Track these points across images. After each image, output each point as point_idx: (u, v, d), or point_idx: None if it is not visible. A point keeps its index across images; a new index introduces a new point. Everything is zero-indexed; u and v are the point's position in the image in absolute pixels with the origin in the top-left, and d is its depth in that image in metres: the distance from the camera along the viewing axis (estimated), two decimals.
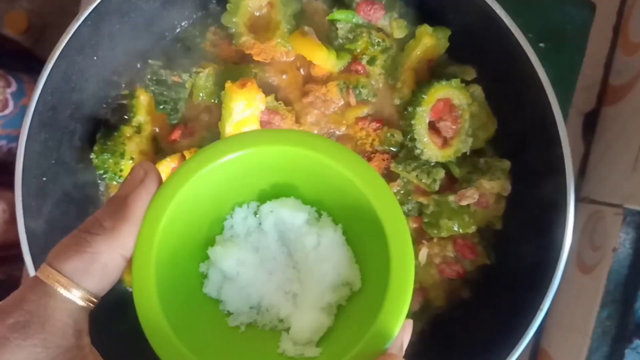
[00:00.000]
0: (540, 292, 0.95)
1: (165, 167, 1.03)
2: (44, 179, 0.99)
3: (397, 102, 1.08)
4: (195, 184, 0.62)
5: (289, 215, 0.69)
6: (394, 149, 1.09)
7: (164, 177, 1.01)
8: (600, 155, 1.30)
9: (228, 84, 1.01)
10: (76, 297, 0.57)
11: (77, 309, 0.57)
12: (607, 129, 1.31)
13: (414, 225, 1.09)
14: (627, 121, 1.22)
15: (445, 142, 1.05)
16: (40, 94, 0.94)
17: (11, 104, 1.31)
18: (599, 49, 1.32)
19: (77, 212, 1.07)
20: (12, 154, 1.48)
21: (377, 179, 0.63)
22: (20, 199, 0.94)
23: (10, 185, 1.49)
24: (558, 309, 1.24)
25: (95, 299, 0.59)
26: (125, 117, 1.09)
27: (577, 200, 1.29)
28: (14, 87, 1.30)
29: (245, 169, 0.66)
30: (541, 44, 1.23)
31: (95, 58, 1.01)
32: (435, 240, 1.07)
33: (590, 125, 1.34)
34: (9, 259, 1.49)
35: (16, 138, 1.43)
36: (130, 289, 1.04)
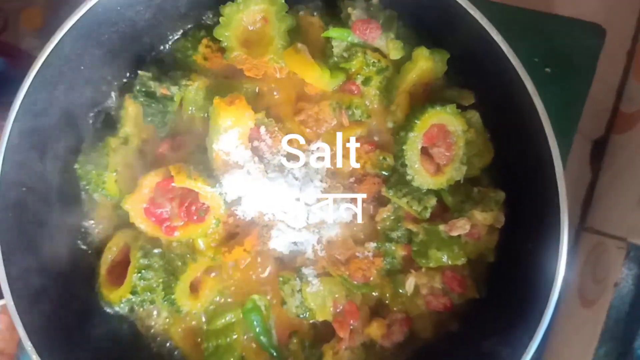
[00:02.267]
0: (532, 329, 0.91)
1: (150, 181, 1.01)
2: (24, 189, 0.97)
3: (390, 125, 1.05)
4: None
5: None
6: (386, 173, 1.06)
7: (146, 192, 1.01)
8: (608, 184, 1.27)
9: (216, 100, 0.99)
10: None
11: None
12: (615, 158, 1.27)
13: (403, 253, 1.06)
14: (636, 151, 1.19)
15: (439, 169, 1.02)
16: (22, 102, 0.92)
17: None
18: (611, 75, 1.28)
19: (57, 222, 1.05)
20: None
21: None
22: None
23: None
24: (557, 341, 1.20)
25: None
26: (113, 127, 1.07)
27: (581, 229, 1.26)
28: None
29: None
30: (547, 69, 1.20)
31: (82, 67, 1.00)
32: (423, 270, 1.04)
33: (598, 152, 1.30)
34: None
35: None
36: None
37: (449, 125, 0.99)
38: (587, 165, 1.29)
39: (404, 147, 0.99)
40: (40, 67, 0.92)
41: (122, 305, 1.02)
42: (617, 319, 1.07)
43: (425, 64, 1.00)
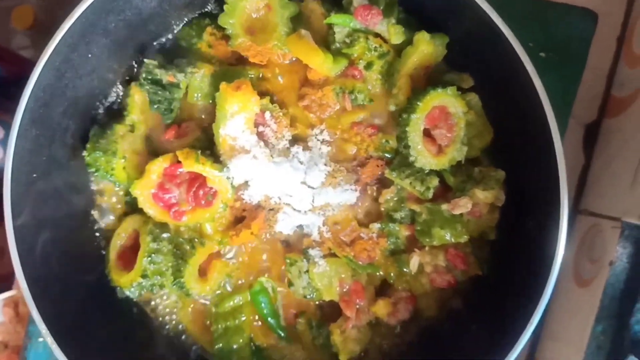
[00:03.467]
0: (531, 306, 0.93)
1: (158, 167, 1.02)
2: (34, 175, 0.98)
3: (392, 108, 1.07)
4: None
5: None
6: (389, 156, 1.08)
7: (154, 177, 1.02)
8: (601, 167, 1.29)
9: (223, 86, 1.00)
10: None
11: None
12: (608, 141, 1.29)
13: (407, 233, 1.07)
14: (628, 134, 1.21)
15: (440, 150, 1.04)
16: (32, 90, 0.93)
17: (1, 152, 1.31)
18: (602, 60, 1.30)
19: (67, 209, 1.06)
20: None
21: None
22: (9, 195, 0.93)
23: None
24: (553, 321, 1.23)
25: None
26: (119, 115, 1.09)
27: (576, 212, 1.28)
28: (1, 134, 1.29)
29: None
30: (542, 54, 1.22)
31: (89, 55, 1.01)
32: (427, 248, 1.06)
33: (591, 136, 1.32)
34: None
35: None
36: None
37: (450, 106, 1.01)
38: (580, 149, 1.31)
39: (406, 129, 1.01)
40: (49, 55, 0.93)
41: (132, 289, 1.03)
42: (612, 297, 1.08)
43: (426, 48, 1.02)
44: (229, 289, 1.12)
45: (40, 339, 1.26)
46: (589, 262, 1.19)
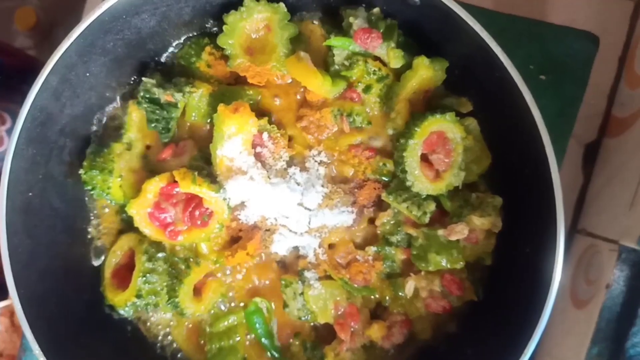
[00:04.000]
0: (529, 330, 0.93)
1: (154, 186, 1.02)
2: (30, 194, 0.98)
3: (390, 132, 1.07)
4: None
5: None
6: (386, 179, 1.08)
7: (151, 197, 1.02)
8: (600, 187, 1.29)
9: (221, 108, 1.00)
10: None
11: None
12: (607, 162, 1.29)
13: (403, 257, 1.07)
14: (628, 155, 1.20)
15: (438, 175, 1.04)
16: (29, 110, 0.93)
17: (6, 140, 1.31)
18: (603, 80, 1.30)
19: (63, 227, 1.06)
20: None
21: None
22: (4, 214, 0.93)
23: None
24: (549, 341, 1.22)
25: None
26: (117, 133, 1.08)
27: (574, 231, 1.28)
28: (9, 123, 1.30)
29: None
30: (542, 76, 1.22)
31: (87, 74, 1.01)
32: (423, 273, 1.06)
33: (590, 155, 1.32)
34: None
35: None
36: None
37: (448, 132, 1.01)
38: (579, 168, 1.31)
39: (404, 154, 1.00)
40: (47, 75, 0.93)
41: (127, 308, 1.03)
42: (609, 320, 1.08)
43: (425, 72, 1.02)
44: (223, 308, 1.12)
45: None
46: (586, 283, 1.19)
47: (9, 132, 1.34)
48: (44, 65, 0.93)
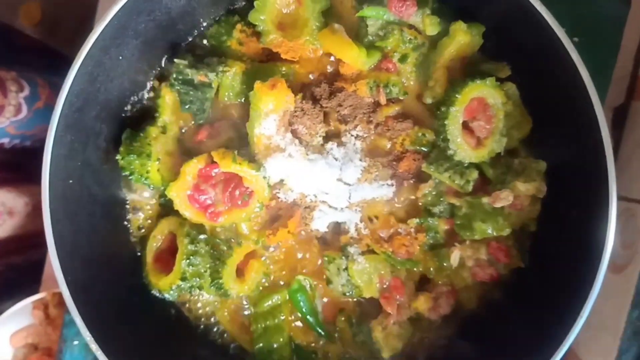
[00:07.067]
0: (580, 298, 0.92)
1: (193, 168, 1.01)
2: (70, 181, 0.97)
3: (428, 101, 1.05)
4: None
5: None
6: (425, 149, 1.07)
7: (190, 179, 1.01)
8: (631, 151, 1.27)
9: (257, 85, 0.99)
10: None
11: None
12: (636, 125, 1.28)
13: (446, 227, 1.06)
14: None
15: (479, 142, 1.02)
16: (67, 96, 0.92)
17: (25, 108, 1.30)
18: (630, 41, 1.27)
19: (102, 213, 1.06)
20: (25, 151, 1.47)
21: None
22: (48, 202, 0.93)
23: (29, 180, 1.47)
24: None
25: None
26: (150, 117, 1.07)
27: None
28: (27, 91, 1.28)
29: None
30: (575, 39, 1.19)
31: (120, 58, 0.99)
32: (467, 242, 1.05)
33: (619, 120, 1.30)
34: (29, 247, 1.48)
35: (29, 137, 1.42)
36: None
37: (489, 98, 0.99)
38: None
39: (445, 122, 0.99)
40: (83, 59, 0.91)
41: (172, 292, 1.03)
42: None
43: (463, 38, 1.00)
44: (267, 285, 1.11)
45: (76, 342, 1.25)
46: (622, 248, 1.18)
47: (27, 99, 1.32)
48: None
